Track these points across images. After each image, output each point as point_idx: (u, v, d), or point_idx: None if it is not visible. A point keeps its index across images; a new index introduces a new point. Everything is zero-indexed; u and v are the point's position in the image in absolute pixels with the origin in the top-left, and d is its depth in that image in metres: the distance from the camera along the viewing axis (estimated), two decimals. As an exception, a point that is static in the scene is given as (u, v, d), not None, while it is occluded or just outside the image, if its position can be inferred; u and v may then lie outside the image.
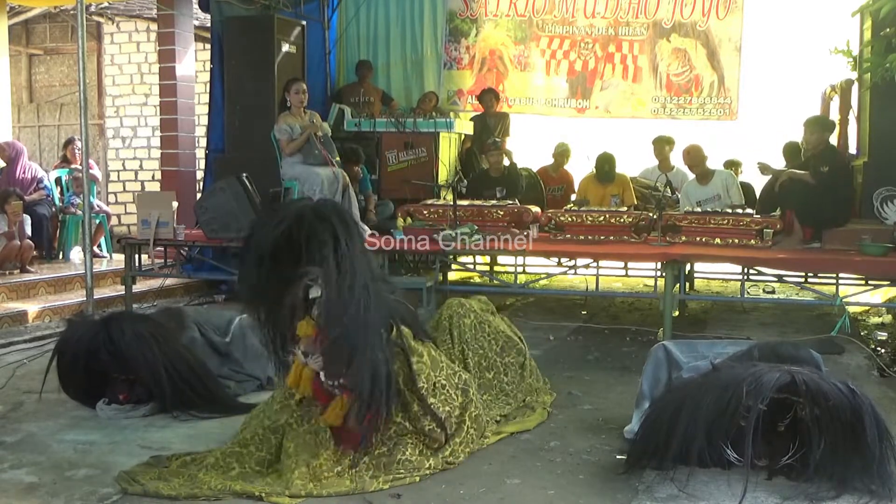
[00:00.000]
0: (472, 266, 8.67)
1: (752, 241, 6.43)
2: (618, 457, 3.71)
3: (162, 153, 9.34)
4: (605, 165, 8.17)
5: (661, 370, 4.00)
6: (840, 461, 3.25)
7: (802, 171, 6.76)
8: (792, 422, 3.31)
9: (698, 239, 6.55)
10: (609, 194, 8.04)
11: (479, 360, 4.39)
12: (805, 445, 3.31)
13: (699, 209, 6.90)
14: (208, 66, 9.27)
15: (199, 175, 9.71)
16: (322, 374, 3.52)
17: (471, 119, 9.39)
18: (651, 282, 6.95)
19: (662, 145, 8.52)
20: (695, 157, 7.48)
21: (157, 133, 10.19)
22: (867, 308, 7.36)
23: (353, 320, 3.31)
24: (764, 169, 7.11)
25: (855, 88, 7.71)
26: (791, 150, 7.95)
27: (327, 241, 3.35)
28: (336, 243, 3.36)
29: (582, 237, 6.79)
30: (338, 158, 7.58)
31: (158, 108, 9.75)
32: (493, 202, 7.18)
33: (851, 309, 6.70)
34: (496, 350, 4.48)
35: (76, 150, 9.31)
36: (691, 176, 7.76)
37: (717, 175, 7.44)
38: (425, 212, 7.06)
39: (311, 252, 3.37)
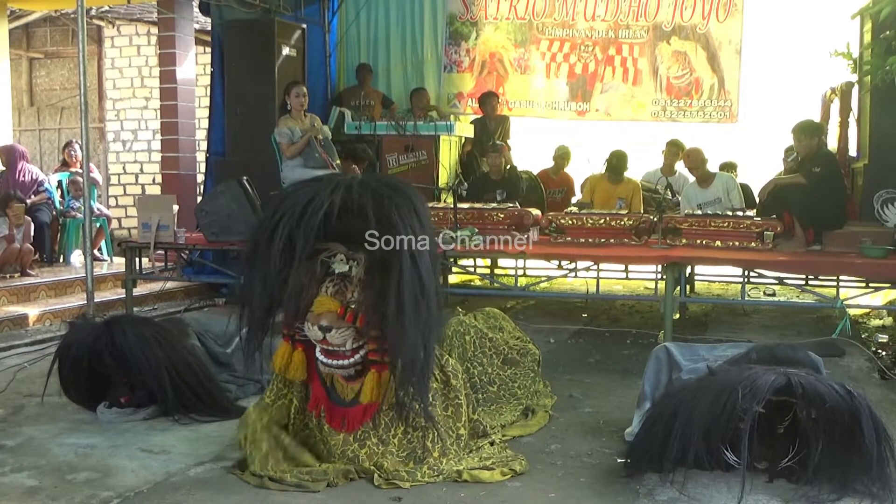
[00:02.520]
0: (472, 269, 8.67)
1: (753, 244, 6.43)
2: (618, 460, 3.71)
3: (162, 156, 9.35)
4: (613, 159, 8.05)
5: (663, 371, 4.01)
6: (839, 463, 3.25)
7: (790, 176, 6.79)
8: (791, 424, 3.31)
9: (699, 241, 6.55)
10: (616, 195, 7.99)
11: (480, 375, 4.41)
12: (805, 447, 3.31)
13: (699, 212, 6.91)
14: (209, 69, 9.28)
15: (200, 178, 9.71)
16: (340, 349, 3.49)
17: (471, 122, 9.40)
18: (651, 284, 6.96)
19: (677, 150, 8.46)
20: (695, 159, 7.49)
21: (158, 136, 10.20)
22: (868, 310, 7.36)
23: (419, 296, 3.37)
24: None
25: (855, 91, 7.72)
26: (792, 152, 7.95)
27: (412, 210, 3.44)
28: (419, 215, 3.48)
29: (582, 240, 6.79)
30: (338, 162, 7.58)
31: (159, 111, 9.75)
32: (494, 205, 7.18)
33: (852, 311, 6.71)
34: (497, 364, 4.50)
35: (73, 154, 9.33)
36: (692, 179, 7.76)
37: (718, 178, 7.44)
38: (426, 215, 7.05)
39: (393, 219, 3.38)
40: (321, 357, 3.56)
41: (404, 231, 3.37)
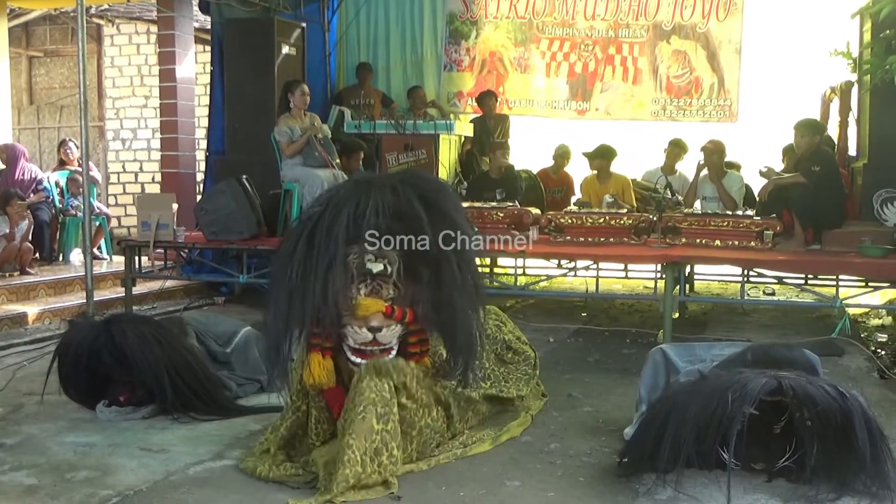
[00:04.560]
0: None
1: (752, 243, 6.43)
2: (617, 459, 3.71)
3: (162, 155, 9.35)
4: (598, 149, 8.07)
5: (660, 374, 4.01)
6: (835, 463, 3.26)
7: (789, 175, 6.79)
8: (788, 423, 3.32)
9: (698, 241, 6.55)
10: (606, 193, 7.97)
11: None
12: (801, 448, 3.31)
13: (700, 210, 6.90)
14: (208, 68, 9.28)
15: (200, 177, 9.71)
16: (390, 344, 3.57)
17: (471, 121, 9.40)
18: (651, 283, 6.96)
19: (679, 150, 8.46)
20: (713, 150, 7.43)
21: (157, 135, 10.19)
22: (867, 310, 7.36)
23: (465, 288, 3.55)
24: (768, 173, 7.14)
25: (855, 90, 7.71)
26: (791, 152, 7.96)
27: (457, 203, 3.68)
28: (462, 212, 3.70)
29: (582, 239, 6.79)
30: (338, 160, 7.59)
31: (158, 110, 9.74)
32: (493, 204, 7.18)
33: (851, 311, 6.71)
34: (493, 360, 4.47)
35: (69, 152, 9.34)
36: (691, 177, 7.77)
37: (728, 176, 7.46)
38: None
39: (449, 214, 3.54)
40: (353, 358, 3.59)
41: (460, 223, 3.55)
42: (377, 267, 3.52)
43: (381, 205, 3.49)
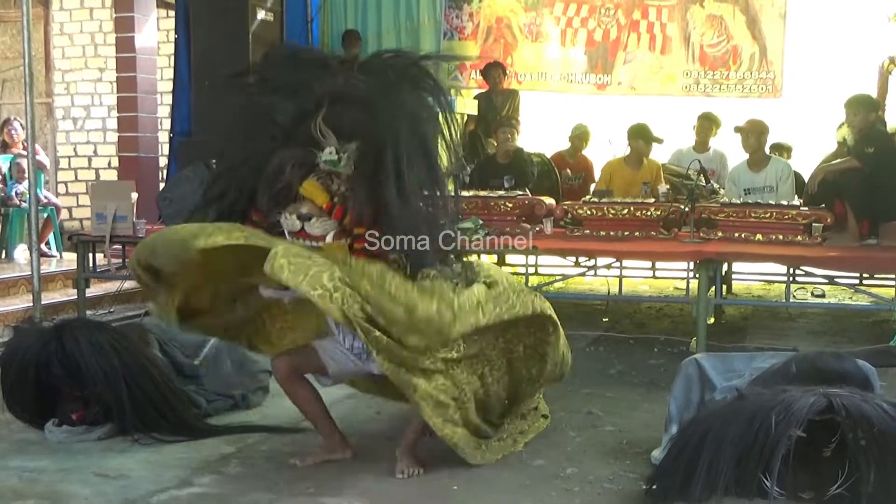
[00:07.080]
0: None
1: (799, 238, 6.43)
2: (643, 486, 3.72)
3: (119, 137, 9.37)
4: (636, 129, 8.00)
5: (693, 390, 4.00)
6: (894, 491, 3.26)
7: (841, 161, 6.77)
8: (840, 446, 3.32)
9: (737, 235, 6.55)
10: (640, 180, 7.92)
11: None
12: (855, 473, 3.32)
13: (741, 199, 6.89)
14: (172, 36, 9.29)
15: (163, 162, 9.72)
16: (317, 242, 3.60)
17: (474, 97, 9.41)
18: (683, 284, 6.98)
19: (711, 125, 8.45)
20: (750, 132, 7.39)
21: (114, 113, 10.20)
22: (931, 314, 7.37)
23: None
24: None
25: (917, 61, 7.73)
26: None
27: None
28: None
29: (603, 233, 6.79)
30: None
31: (115, 84, 9.75)
32: (501, 193, 7.19)
33: (912, 315, 6.72)
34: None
35: (13, 133, 9.35)
36: (733, 157, 7.75)
37: (773, 163, 7.36)
38: (422, 205, 7.06)
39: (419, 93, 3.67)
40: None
41: (405, 115, 3.63)
42: (329, 157, 3.56)
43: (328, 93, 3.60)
